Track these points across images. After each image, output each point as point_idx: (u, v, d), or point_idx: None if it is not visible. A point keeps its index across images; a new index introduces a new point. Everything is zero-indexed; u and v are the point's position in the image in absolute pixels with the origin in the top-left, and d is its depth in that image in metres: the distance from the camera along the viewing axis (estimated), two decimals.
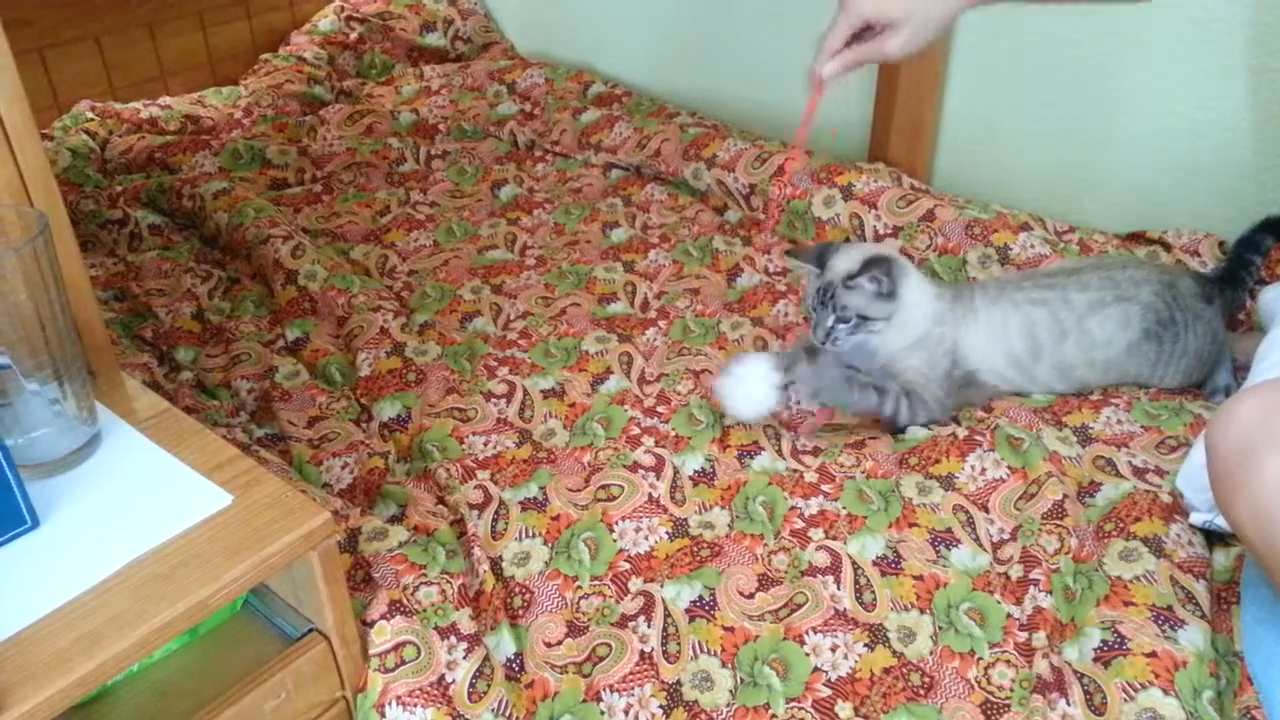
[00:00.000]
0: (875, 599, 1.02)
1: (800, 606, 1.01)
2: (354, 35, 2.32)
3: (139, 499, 0.88)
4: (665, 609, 1.02)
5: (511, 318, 1.52)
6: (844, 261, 1.23)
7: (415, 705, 0.91)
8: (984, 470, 1.16)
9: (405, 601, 0.99)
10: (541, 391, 1.34)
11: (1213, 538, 1.07)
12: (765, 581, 1.05)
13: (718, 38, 2.04)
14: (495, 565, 1.08)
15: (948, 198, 1.62)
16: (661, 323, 1.48)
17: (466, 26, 2.41)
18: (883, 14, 0.97)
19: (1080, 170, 1.64)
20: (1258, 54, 1.39)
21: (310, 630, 0.92)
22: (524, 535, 1.11)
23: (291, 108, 2.14)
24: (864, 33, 1.01)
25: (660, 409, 1.30)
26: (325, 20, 2.33)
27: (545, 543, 1.11)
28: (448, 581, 1.03)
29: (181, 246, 1.73)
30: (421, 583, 1.02)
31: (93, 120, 2.01)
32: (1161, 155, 1.54)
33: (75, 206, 1.79)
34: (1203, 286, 1.28)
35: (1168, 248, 1.50)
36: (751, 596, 1.04)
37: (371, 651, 0.95)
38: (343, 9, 2.35)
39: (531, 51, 2.41)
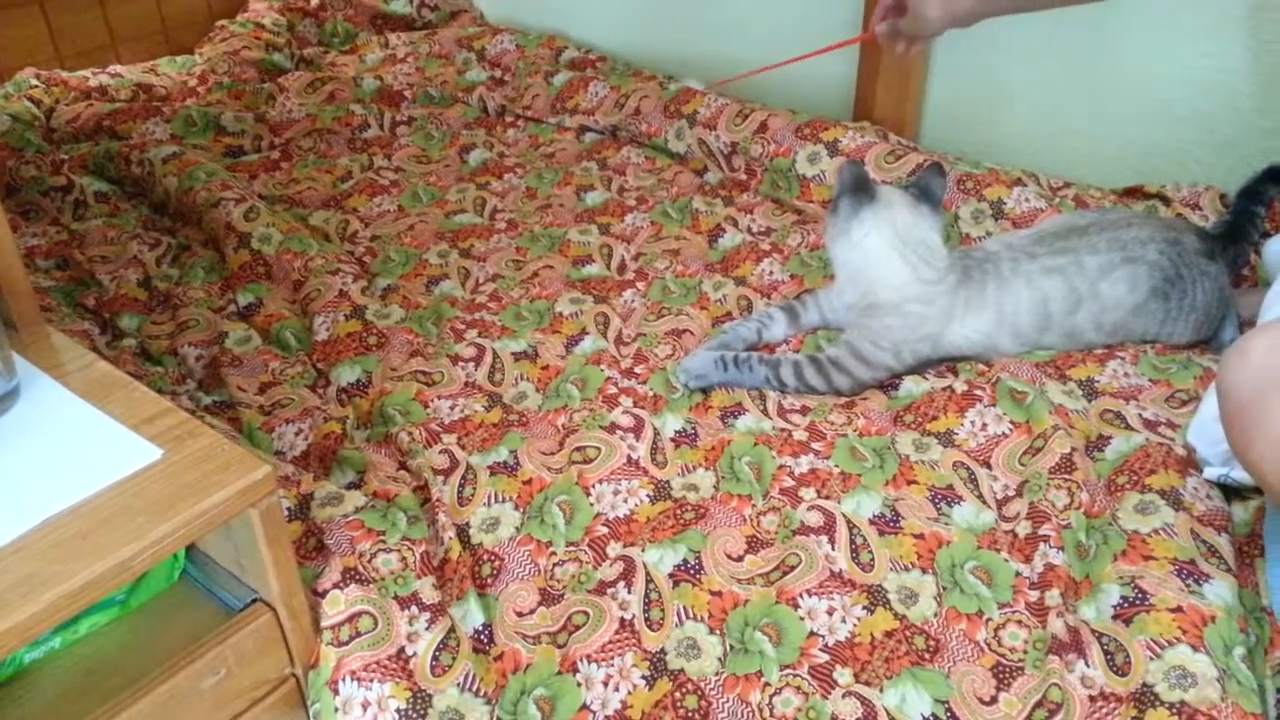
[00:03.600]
0: (873, 559, 0.94)
1: (793, 568, 0.93)
2: (315, 2, 2.22)
3: (59, 454, 0.80)
4: (647, 574, 0.94)
5: (480, 281, 1.43)
6: (888, 190, 1.22)
7: (372, 680, 0.83)
8: (985, 426, 1.08)
9: (361, 569, 0.91)
10: (512, 354, 1.26)
11: (1230, 491, 1.00)
12: (754, 543, 0.97)
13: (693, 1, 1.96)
14: (462, 532, 1.00)
15: (937, 154, 1.55)
16: (640, 284, 1.40)
17: None
18: None
19: (1073, 124, 1.57)
20: None
21: (254, 600, 0.84)
22: (493, 500, 1.03)
23: (249, 75, 2.04)
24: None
25: (638, 369, 1.22)
26: None
27: (516, 508, 1.02)
28: (409, 548, 0.94)
29: (129, 214, 1.63)
30: (380, 549, 0.93)
31: (38, 88, 1.91)
32: (1157, 104, 1.47)
33: (15, 172, 1.69)
34: (1206, 242, 1.22)
35: (1167, 202, 1.43)
36: (740, 559, 0.96)
37: (324, 624, 0.86)
38: None
39: (501, 19, 2.32)
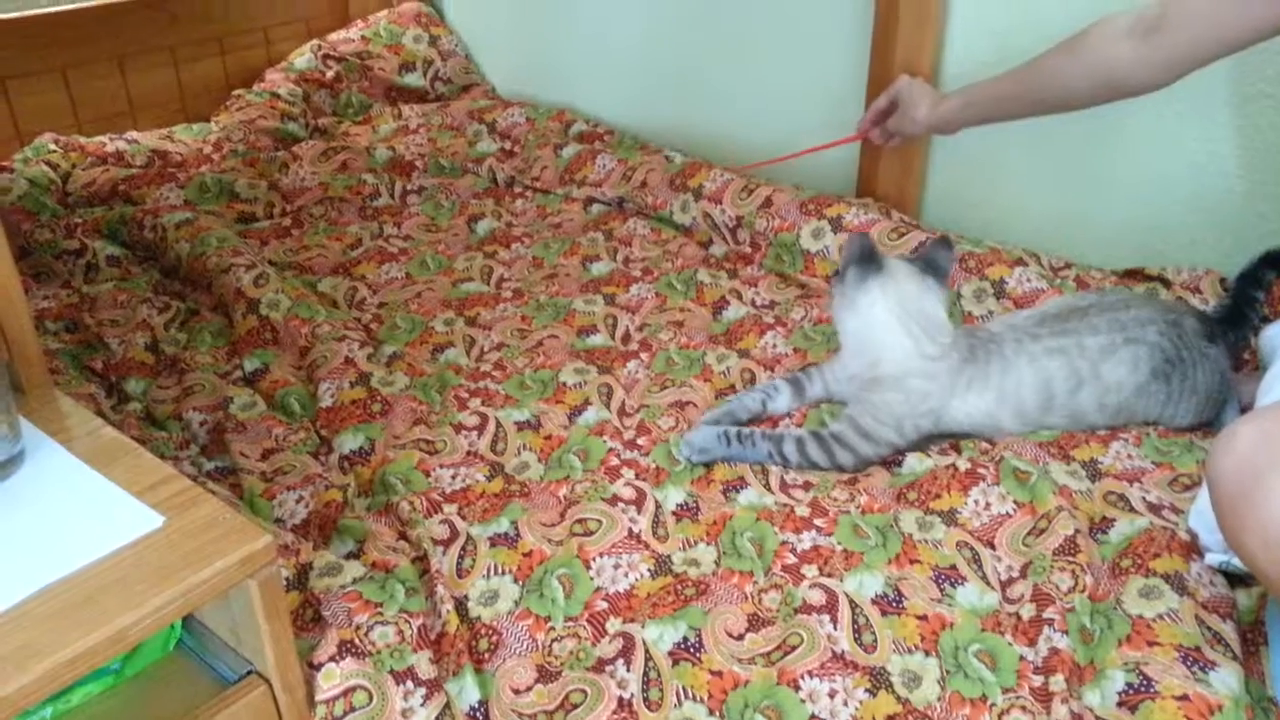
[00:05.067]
0: (876, 640, 0.93)
1: (794, 648, 0.92)
2: (331, 74, 2.27)
3: (61, 520, 0.80)
4: (646, 652, 0.93)
5: (485, 349, 1.44)
6: (895, 262, 1.23)
7: None
8: (988, 505, 1.08)
9: (358, 642, 0.90)
10: (515, 423, 1.26)
11: (1233, 578, 0.99)
12: (756, 621, 0.96)
13: (699, 78, 2.00)
14: (460, 605, 0.99)
15: (940, 232, 1.57)
16: (644, 355, 1.41)
17: (447, 68, 2.37)
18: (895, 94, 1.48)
19: (1073, 205, 1.59)
20: (1252, 80, 1.36)
21: (249, 672, 0.83)
22: (492, 572, 1.02)
23: (263, 143, 2.08)
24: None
25: (641, 441, 1.22)
26: (301, 58, 2.28)
27: (516, 580, 1.02)
28: (406, 621, 0.93)
29: (140, 278, 1.65)
30: (377, 622, 0.92)
31: (55, 152, 1.94)
32: (1156, 186, 1.50)
33: (30, 235, 1.71)
34: (1206, 325, 1.23)
35: (1167, 284, 1.45)
36: (741, 638, 0.95)
37: (318, 697, 0.85)
38: (320, 47, 2.30)
39: (513, 93, 2.37)
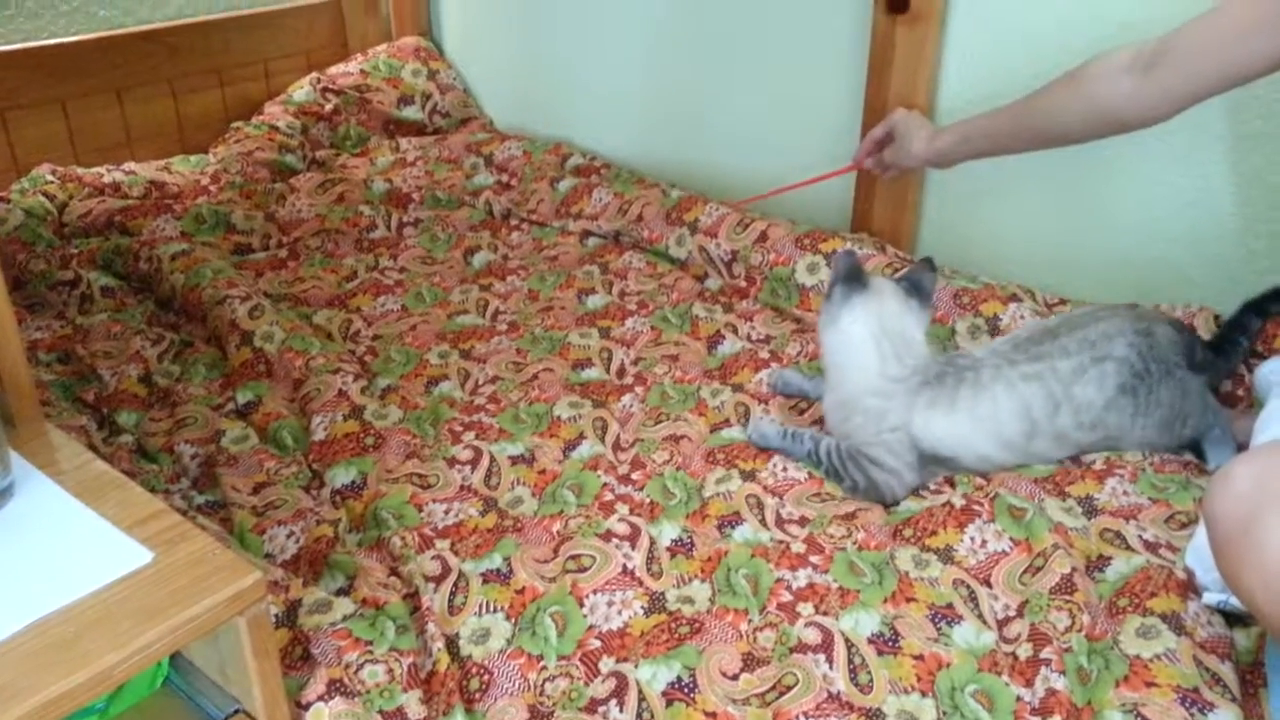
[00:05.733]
0: (872, 680, 0.92)
1: (790, 689, 0.91)
2: (329, 107, 2.28)
3: (49, 556, 0.79)
4: (640, 692, 0.92)
5: (480, 383, 1.44)
6: (881, 281, 1.25)
7: None
8: (984, 542, 1.07)
9: (347, 681, 0.89)
10: (509, 458, 1.25)
11: (1231, 618, 0.98)
12: (750, 661, 0.95)
13: (696, 112, 2.02)
14: (451, 643, 0.98)
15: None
16: (638, 389, 1.41)
17: (445, 101, 2.38)
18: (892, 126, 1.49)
19: (1067, 241, 1.60)
20: (1246, 118, 1.37)
21: (237, 711, 0.82)
22: (484, 610, 1.01)
23: (261, 175, 2.08)
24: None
25: (635, 475, 1.22)
26: (300, 91, 2.29)
27: (508, 618, 1.01)
28: (396, 660, 0.92)
29: (134, 309, 1.65)
30: (367, 660, 0.91)
31: (52, 183, 1.94)
32: (1149, 223, 1.50)
33: (24, 266, 1.71)
34: (1182, 334, 1.23)
35: None
36: (735, 678, 0.94)
37: None
38: (319, 80, 2.32)
39: (510, 127, 2.39)
